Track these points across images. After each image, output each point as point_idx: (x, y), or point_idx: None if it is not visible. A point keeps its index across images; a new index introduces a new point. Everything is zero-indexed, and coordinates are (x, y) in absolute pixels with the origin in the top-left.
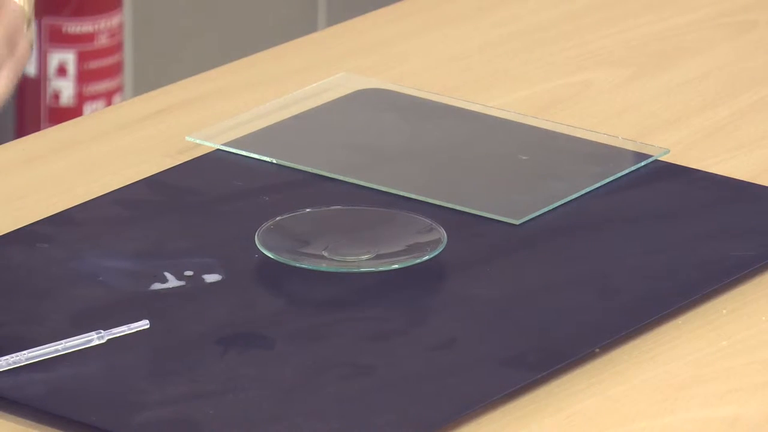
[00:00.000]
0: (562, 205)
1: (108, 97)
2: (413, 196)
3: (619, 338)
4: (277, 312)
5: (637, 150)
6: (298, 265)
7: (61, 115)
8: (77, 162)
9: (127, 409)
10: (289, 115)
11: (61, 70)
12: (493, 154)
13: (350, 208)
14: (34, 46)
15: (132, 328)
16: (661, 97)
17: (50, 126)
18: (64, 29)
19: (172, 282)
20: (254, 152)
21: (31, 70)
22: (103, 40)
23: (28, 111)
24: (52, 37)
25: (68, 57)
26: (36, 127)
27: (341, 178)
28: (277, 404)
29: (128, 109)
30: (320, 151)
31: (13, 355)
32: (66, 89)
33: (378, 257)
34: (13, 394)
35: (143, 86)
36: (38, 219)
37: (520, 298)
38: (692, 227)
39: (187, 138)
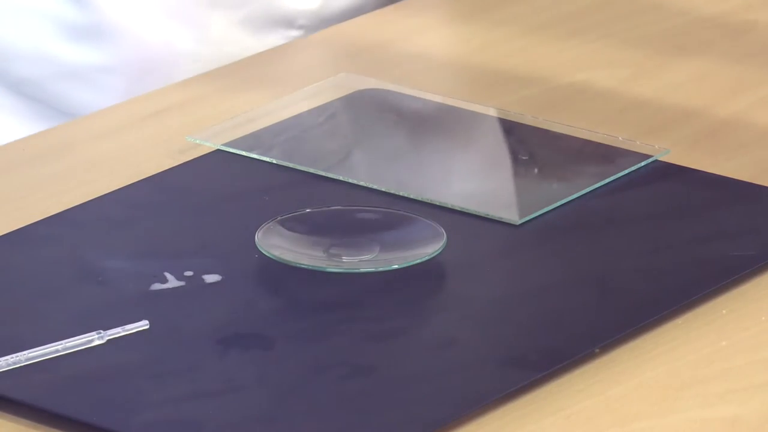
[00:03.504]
0: (562, 205)
1: None
2: (413, 196)
3: (618, 338)
4: (276, 312)
5: (638, 150)
6: (297, 265)
7: None
8: (77, 162)
9: (127, 408)
10: (288, 116)
11: None
12: (492, 154)
13: (350, 208)
14: None
15: (132, 329)
16: (661, 97)
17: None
18: None
19: (172, 282)
20: (254, 152)
21: None
22: None
23: None
24: None
25: None
26: None
27: (341, 178)
28: (276, 404)
29: (128, 109)
30: (320, 151)
31: (13, 355)
32: None
33: (378, 257)
34: (13, 394)
35: None
36: (38, 219)
37: (519, 298)
38: (692, 227)
39: (187, 138)
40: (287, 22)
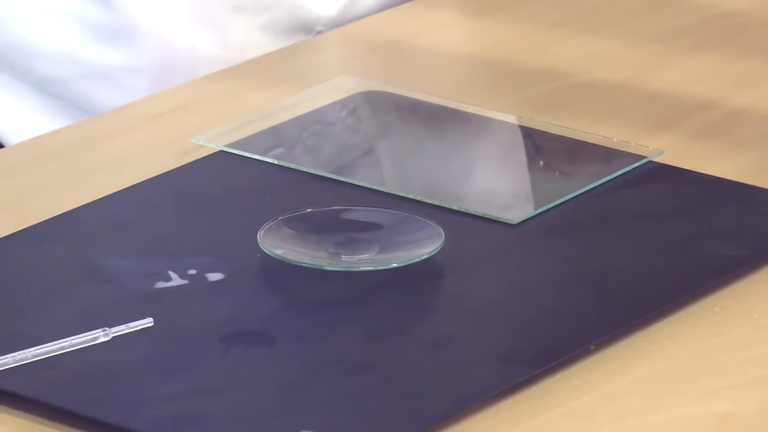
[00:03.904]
0: (558, 205)
1: None
2: (412, 196)
3: (613, 336)
4: (278, 310)
5: (632, 151)
6: (299, 263)
7: None
8: (83, 163)
9: (131, 404)
10: (290, 117)
11: None
12: (490, 155)
13: (350, 208)
14: None
15: (136, 326)
16: (655, 99)
17: None
18: None
19: (176, 280)
20: (256, 153)
21: None
22: None
23: None
24: None
25: None
26: None
27: (341, 178)
28: (278, 401)
29: (132, 110)
30: (321, 151)
31: (20, 352)
32: None
33: (377, 256)
34: (20, 390)
35: None
36: (45, 218)
37: (516, 296)
38: (685, 227)
39: (191, 139)
40: (306, 28)
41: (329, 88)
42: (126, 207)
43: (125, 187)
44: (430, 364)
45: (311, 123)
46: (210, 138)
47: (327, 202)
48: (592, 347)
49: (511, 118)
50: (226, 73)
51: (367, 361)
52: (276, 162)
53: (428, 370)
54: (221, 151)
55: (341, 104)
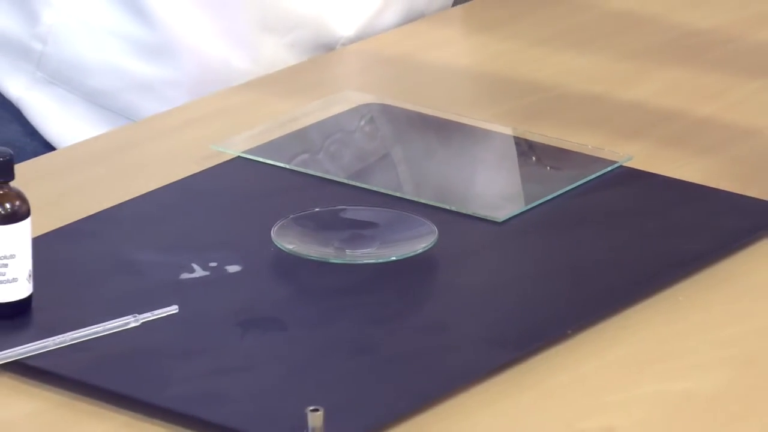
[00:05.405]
0: (539, 205)
1: None
2: (409, 197)
3: (589, 321)
4: (290, 298)
5: (604, 156)
6: (308, 257)
7: None
8: (116, 167)
9: (158, 382)
10: (301, 127)
11: None
12: (479, 160)
13: (354, 207)
14: None
15: (163, 313)
16: (627, 110)
17: None
18: None
19: (199, 272)
20: (271, 159)
21: None
22: None
23: None
24: None
25: None
26: None
27: (346, 181)
28: (290, 380)
29: (159, 121)
30: (328, 158)
31: (59, 336)
32: None
33: (377, 250)
34: (59, 369)
35: None
36: (82, 217)
37: (502, 286)
38: (652, 224)
39: (212, 146)
40: (328, 46)
41: (335, 101)
42: (154, 207)
43: (154, 188)
44: (426, 347)
45: (319, 132)
46: (229, 145)
47: (333, 203)
48: (569, 332)
49: (497, 127)
50: (242, 87)
51: (369, 344)
52: (288, 167)
53: (424, 352)
54: (239, 157)
55: (346, 115)
